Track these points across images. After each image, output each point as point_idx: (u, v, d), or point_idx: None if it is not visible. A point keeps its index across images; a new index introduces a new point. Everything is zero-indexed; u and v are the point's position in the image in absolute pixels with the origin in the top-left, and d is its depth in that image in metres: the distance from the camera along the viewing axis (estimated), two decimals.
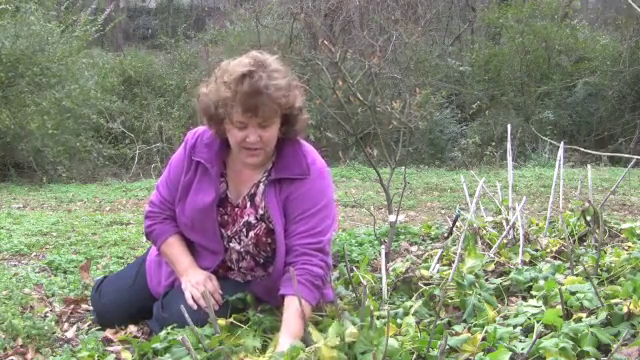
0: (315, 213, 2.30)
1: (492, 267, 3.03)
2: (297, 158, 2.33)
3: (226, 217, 2.39)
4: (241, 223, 2.37)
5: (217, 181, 2.36)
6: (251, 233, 2.36)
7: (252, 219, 2.36)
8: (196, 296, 2.31)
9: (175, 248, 2.45)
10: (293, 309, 2.13)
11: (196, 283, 2.34)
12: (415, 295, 2.68)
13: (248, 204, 2.37)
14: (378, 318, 2.27)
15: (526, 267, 2.92)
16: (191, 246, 2.49)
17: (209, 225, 2.37)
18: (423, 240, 4.00)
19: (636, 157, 3.11)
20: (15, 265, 3.64)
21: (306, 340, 2.07)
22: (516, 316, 2.35)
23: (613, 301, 2.25)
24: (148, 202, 2.56)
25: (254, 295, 2.40)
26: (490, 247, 3.34)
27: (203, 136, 2.41)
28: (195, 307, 2.28)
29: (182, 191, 2.42)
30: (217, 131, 2.33)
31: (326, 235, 2.31)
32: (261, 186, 2.36)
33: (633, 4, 2.74)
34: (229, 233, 2.39)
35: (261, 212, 2.35)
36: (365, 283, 2.38)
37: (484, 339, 2.07)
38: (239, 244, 2.38)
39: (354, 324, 2.09)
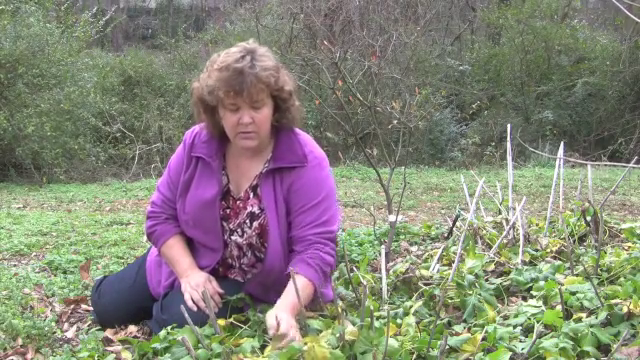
0: (319, 203, 2.34)
1: (492, 267, 3.03)
2: (293, 147, 2.37)
3: (228, 210, 2.41)
4: (244, 214, 2.38)
5: (219, 174, 2.39)
6: (255, 223, 2.37)
7: (256, 209, 2.37)
8: (195, 298, 2.31)
9: (175, 249, 2.46)
10: (297, 283, 2.15)
11: (196, 285, 2.34)
12: (415, 295, 2.68)
13: (251, 195, 2.39)
14: (378, 318, 2.27)
15: (526, 267, 2.91)
16: (191, 246, 2.49)
17: (211, 220, 2.38)
18: (423, 240, 4.00)
19: (630, 165, 3.10)
20: (15, 265, 3.64)
21: (301, 323, 2.11)
22: (516, 316, 2.35)
23: (613, 301, 2.25)
24: (150, 203, 2.58)
25: (251, 296, 2.40)
26: (490, 247, 3.34)
27: (201, 134, 2.45)
28: (195, 309, 2.28)
29: (183, 188, 2.44)
30: (213, 124, 2.36)
31: (333, 225, 2.36)
32: (262, 177, 2.39)
33: (629, 14, 2.74)
34: (232, 226, 2.40)
35: (264, 202, 2.38)
36: (365, 283, 2.39)
37: (484, 339, 2.07)
38: (241, 237, 2.39)
39: (354, 324, 2.10)
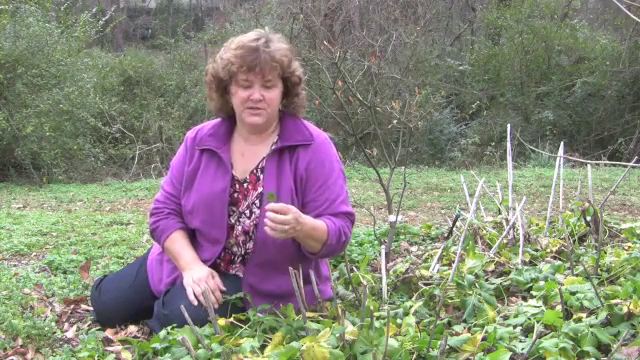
0: (335, 180, 2.43)
1: (492, 267, 3.03)
2: (299, 128, 2.47)
3: (236, 195, 2.45)
4: (253, 196, 2.43)
5: (228, 166, 2.43)
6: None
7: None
8: (197, 292, 2.32)
9: (178, 243, 2.48)
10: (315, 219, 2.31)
11: (198, 279, 2.36)
12: (415, 295, 2.68)
13: (261, 177, 2.44)
14: (378, 318, 2.27)
15: (526, 267, 2.91)
16: (193, 240, 2.51)
17: (218, 210, 2.41)
18: (423, 240, 4.00)
19: (630, 165, 3.11)
20: (15, 265, 3.64)
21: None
22: (516, 316, 2.35)
23: (613, 301, 2.25)
24: (153, 201, 2.61)
25: (252, 289, 2.42)
26: (490, 247, 3.34)
27: (204, 129, 2.52)
28: (196, 303, 2.30)
29: (187, 180, 2.48)
30: (221, 105, 2.45)
31: (349, 205, 2.46)
32: (268, 157, 2.45)
33: (629, 13, 2.75)
34: (241, 209, 2.44)
35: (265, 177, 2.43)
36: (365, 283, 2.38)
37: (484, 339, 2.07)
38: (249, 218, 2.42)
39: (354, 324, 2.09)
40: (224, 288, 2.37)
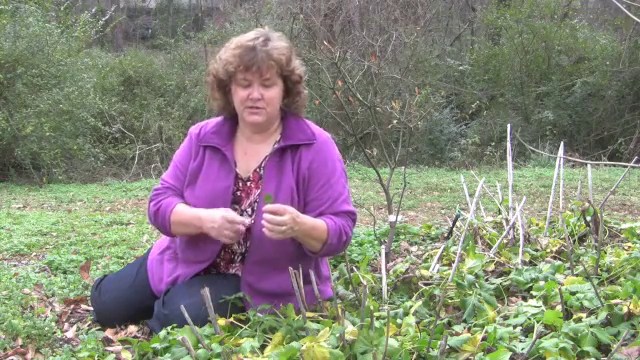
0: (337, 179, 2.44)
1: (492, 267, 3.03)
2: (301, 127, 2.47)
3: (239, 193, 2.45)
4: (256, 194, 2.43)
5: (232, 164, 2.44)
6: None
7: None
8: (227, 235, 2.31)
9: (183, 212, 2.42)
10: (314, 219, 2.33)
11: (211, 227, 2.31)
12: (415, 295, 2.68)
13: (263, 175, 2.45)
14: (378, 318, 2.27)
15: (526, 267, 2.91)
16: (192, 240, 2.48)
17: (220, 207, 2.39)
18: (423, 240, 4.00)
19: (630, 165, 3.11)
20: (15, 265, 3.64)
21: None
22: (516, 316, 2.35)
23: (613, 301, 2.25)
24: (152, 190, 2.59)
25: (251, 288, 2.42)
26: (490, 247, 3.34)
27: (207, 126, 2.53)
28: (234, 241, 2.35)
29: (191, 177, 2.48)
30: (223, 104, 2.46)
31: (351, 204, 2.47)
32: (270, 156, 2.46)
33: (629, 14, 2.75)
34: (243, 207, 2.44)
35: (265, 175, 2.44)
36: (365, 283, 2.38)
37: (484, 339, 2.08)
38: (251, 216, 2.43)
39: (354, 324, 2.10)
40: (241, 219, 2.33)
